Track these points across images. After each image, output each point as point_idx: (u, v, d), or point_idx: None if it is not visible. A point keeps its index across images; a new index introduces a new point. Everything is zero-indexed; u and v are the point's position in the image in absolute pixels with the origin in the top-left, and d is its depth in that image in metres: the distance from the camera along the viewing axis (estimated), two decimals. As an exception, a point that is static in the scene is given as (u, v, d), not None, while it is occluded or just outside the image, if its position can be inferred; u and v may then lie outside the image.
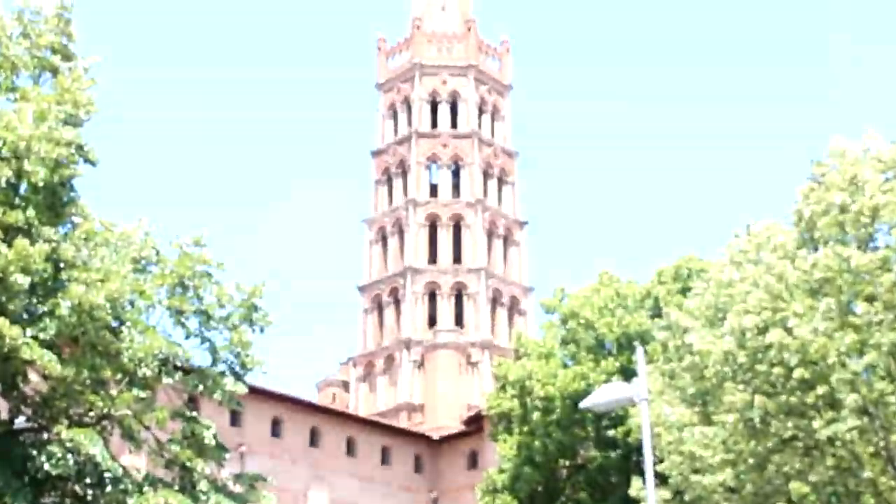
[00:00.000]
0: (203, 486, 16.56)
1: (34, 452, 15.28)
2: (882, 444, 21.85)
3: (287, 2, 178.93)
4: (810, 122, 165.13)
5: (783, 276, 21.72)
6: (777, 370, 21.35)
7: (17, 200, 14.79)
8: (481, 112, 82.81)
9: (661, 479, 24.20)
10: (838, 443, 21.58)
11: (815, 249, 22.20)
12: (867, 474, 22.27)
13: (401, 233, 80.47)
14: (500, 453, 42.43)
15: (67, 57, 16.07)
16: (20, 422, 16.43)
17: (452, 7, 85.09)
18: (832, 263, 21.33)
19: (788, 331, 21.00)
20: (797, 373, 21.14)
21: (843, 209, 21.99)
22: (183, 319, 16.65)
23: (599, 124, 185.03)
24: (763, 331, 21.32)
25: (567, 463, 39.52)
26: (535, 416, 39.02)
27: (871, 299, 21.37)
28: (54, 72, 15.99)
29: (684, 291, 33.41)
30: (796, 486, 22.66)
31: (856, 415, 21.15)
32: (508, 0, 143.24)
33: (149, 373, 15.75)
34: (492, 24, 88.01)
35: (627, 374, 31.91)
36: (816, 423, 21.42)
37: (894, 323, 21.23)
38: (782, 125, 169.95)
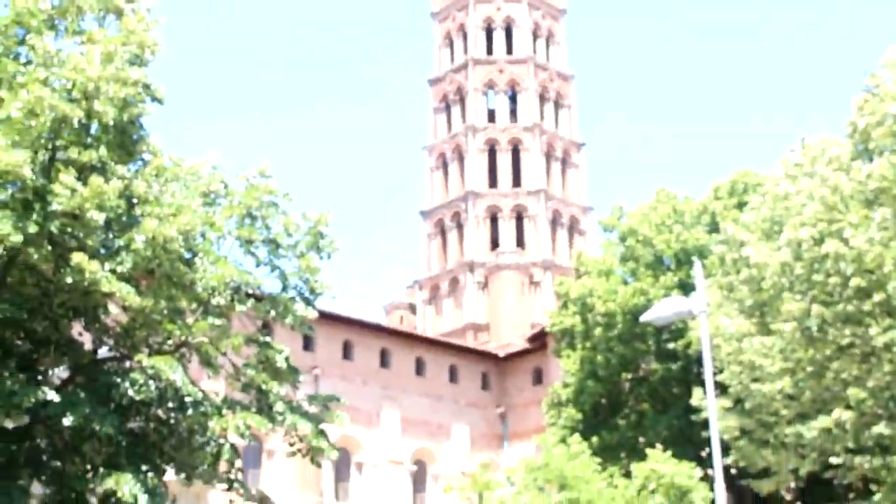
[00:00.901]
0: (279, 407, 16.82)
1: (118, 380, 15.56)
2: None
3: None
4: (868, 33, 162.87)
5: (838, 187, 21.56)
6: (833, 279, 21.28)
7: (88, 140, 14.92)
8: (536, 37, 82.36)
9: (721, 389, 24.28)
10: (895, 349, 21.53)
11: (870, 160, 21.98)
12: (925, 378, 22.21)
13: (460, 158, 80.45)
14: (563, 368, 42.61)
15: (130, -1, 16.15)
16: (103, 352, 16.72)
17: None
18: (887, 173, 21.14)
19: (844, 241, 20.90)
20: (853, 281, 21.07)
21: (899, 119, 21.79)
22: (252, 249, 16.80)
23: (654, 42, 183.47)
24: (819, 242, 21.23)
25: (629, 376, 39.65)
26: (597, 331, 39.14)
27: (929, 207, 21.22)
28: (119, 13, 16.05)
29: (741, 206, 33.26)
30: (854, 392, 22.66)
31: (913, 321, 21.12)
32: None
33: (222, 301, 15.93)
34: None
35: (686, 288, 31.87)
36: (873, 330, 21.36)
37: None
38: (838, 37, 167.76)
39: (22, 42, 15.72)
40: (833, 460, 25.25)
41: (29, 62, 15.49)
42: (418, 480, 62.61)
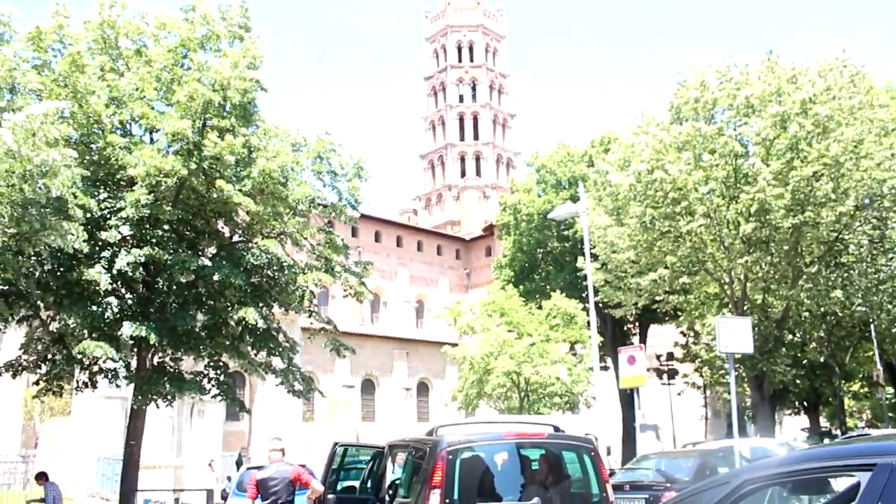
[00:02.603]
0: (337, 269, 16.99)
1: (244, 253, 15.74)
2: (717, 233, 22.10)
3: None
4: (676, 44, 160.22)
5: (662, 140, 21.70)
6: (659, 193, 21.53)
7: (224, 114, 14.91)
8: (486, 51, 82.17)
9: (594, 257, 24.62)
10: (692, 234, 21.86)
11: (681, 124, 22.08)
12: (709, 251, 22.59)
13: (443, 124, 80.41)
14: (503, 246, 43.00)
15: (247, 29, 15.95)
16: (236, 238, 16.87)
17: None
18: (690, 132, 21.28)
19: (665, 171, 21.10)
20: (670, 195, 21.33)
21: (696, 100, 21.80)
22: (321, 177, 16.82)
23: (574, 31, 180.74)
24: (651, 172, 21.44)
25: (541, 250, 40.07)
26: (522, 224, 39.47)
27: (712, 152, 21.37)
28: (241, 38, 15.90)
29: (606, 150, 33.34)
30: (669, 259, 23.07)
31: (702, 217, 21.39)
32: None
33: (304, 207, 16.01)
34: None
35: (574, 199, 32.09)
36: (681, 223, 21.67)
37: (724, 166, 21.27)
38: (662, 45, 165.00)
39: (185, 57, 15.63)
40: (657, 298, 25.84)
41: (189, 68, 15.41)
42: (419, 313, 63.45)
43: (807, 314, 25.78)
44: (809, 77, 21.11)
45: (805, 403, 39.10)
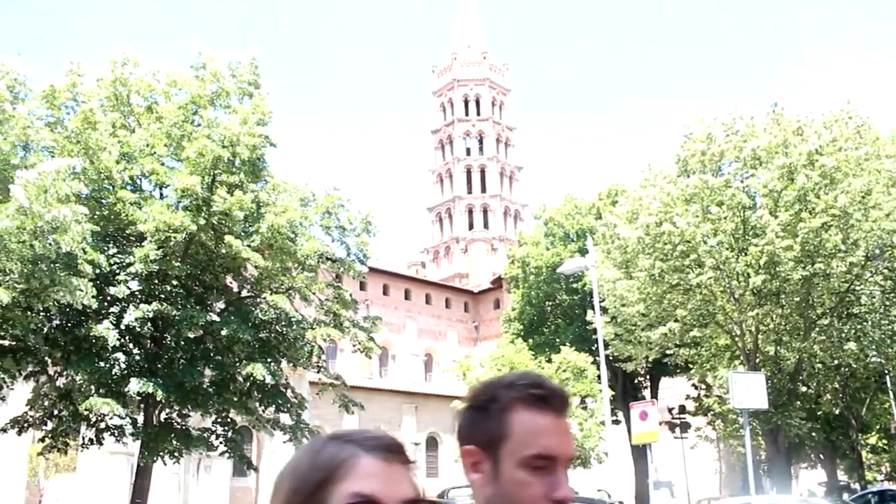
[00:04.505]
0: (346, 324, 16.93)
1: (253, 308, 15.70)
2: (727, 286, 21.92)
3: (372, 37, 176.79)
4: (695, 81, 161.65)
5: (670, 193, 21.66)
6: (668, 246, 21.40)
7: (233, 170, 15.01)
8: (493, 105, 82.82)
9: (603, 311, 24.43)
10: (702, 286, 21.68)
11: (688, 176, 22.08)
12: (719, 303, 22.38)
13: (451, 176, 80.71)
14: (512, 299, 42.79)
15: (257, 86, 16.15)
16: (244, 293, 16.83)
17: (474, 45, 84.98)
18: (698, 184, 21.26)
19: (673, 224, 21.02)
20: (679, 248, 21.20)
21: (703, 153, 21.85)
22: (329, 232, 16.88)
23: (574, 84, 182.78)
24: (659, 224, 21.35)
25: (550, 303, 39.83)
26: (531, 278, 39.31)
27: (720, 204, 21.31)
28: (250, 95, 16.11)
29: (614, 203, 33.31)
30: (679, 312, 22.85)
31: (712, 270, 21.23)
32: (510, 35, 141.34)
33: (312, 262, 16.04)
34: (500, 50, 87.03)
35: (583, 252, 32.01)
36: (690, 276, 21.51)
37: (733, 218, 21.20)
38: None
39: (195, 113, 15.79)
40: (667, 351, 25.54)
41: (199, 125, 15.56)
42: (427, 366, 62.96)
43: (820, 366, 25.40)
44: (815, 129, 21.17)
45: (821, 456, 38.33)
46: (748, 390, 13.90)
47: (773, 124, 21.79)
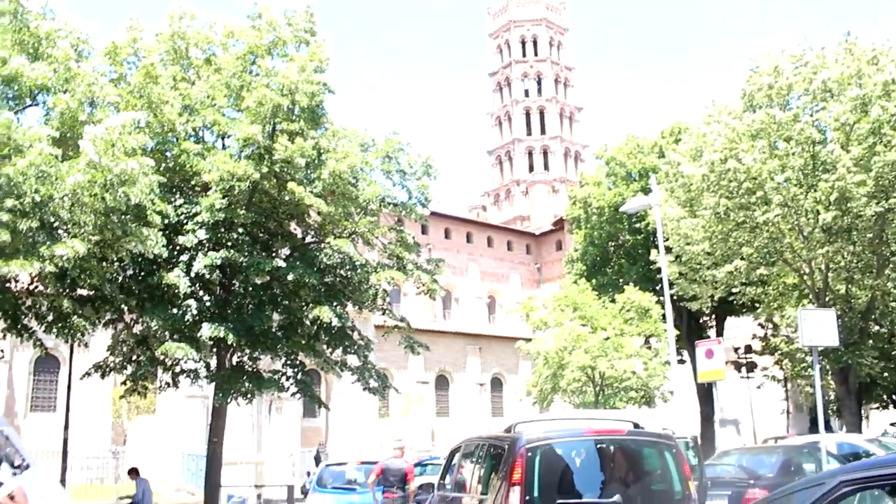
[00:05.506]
0: (409, 266, 17.04)
1: (317, 253, 15.91)
2: (795, 223, 21.34)
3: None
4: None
5: (735, 129, 21.05)
6: (733, 183, 20.91)
7: (293, 117, 15.07)
8: (551, 45, 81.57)
9: (667, 250, 24.15)
10: (769, 224, 21.16)
11: (754, 111, 21.38)
12: (787, 241, 21.82)
13: (509, 119, 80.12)
14: (574, 240, 42.47)
15: (313, 34, 16.09)
16: (308, 238, 17.06)
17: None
18: (764, 119, 20.58)
19: (739, 160, 20.48)
20: (744, 185, 20.70)
21: (770, 87, 21.08)
22: (390, 176, 16.87)
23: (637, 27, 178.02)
24: (724, 161, 20.83)
25: (613, 243, 39.41)
26: (593, 218, 38.86)
27: (788, 139, 20.61)
28: (307, 43, 16.06)
29: (677, 141, 32.53)
30: (746, 250, 22.40)
31: (779, 207, 20.67)
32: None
33: (374, 207, 16.10)
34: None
35: (646, 191, 31.45)
36: (757, 213, 21.02)
37: (801, 153, 20.50)
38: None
39: (253, 63, 15.85)
40: (733, 290, 25.14)
41: (257, 74, 15.63)
42: (490, 308, 63.29)
43: (894, 304, 24.68)
44: (892, 57, 20.15)
45: (894, 397, 37.50)
46: (818, 328, 13.55)
47: (846, 54, 20.80)
